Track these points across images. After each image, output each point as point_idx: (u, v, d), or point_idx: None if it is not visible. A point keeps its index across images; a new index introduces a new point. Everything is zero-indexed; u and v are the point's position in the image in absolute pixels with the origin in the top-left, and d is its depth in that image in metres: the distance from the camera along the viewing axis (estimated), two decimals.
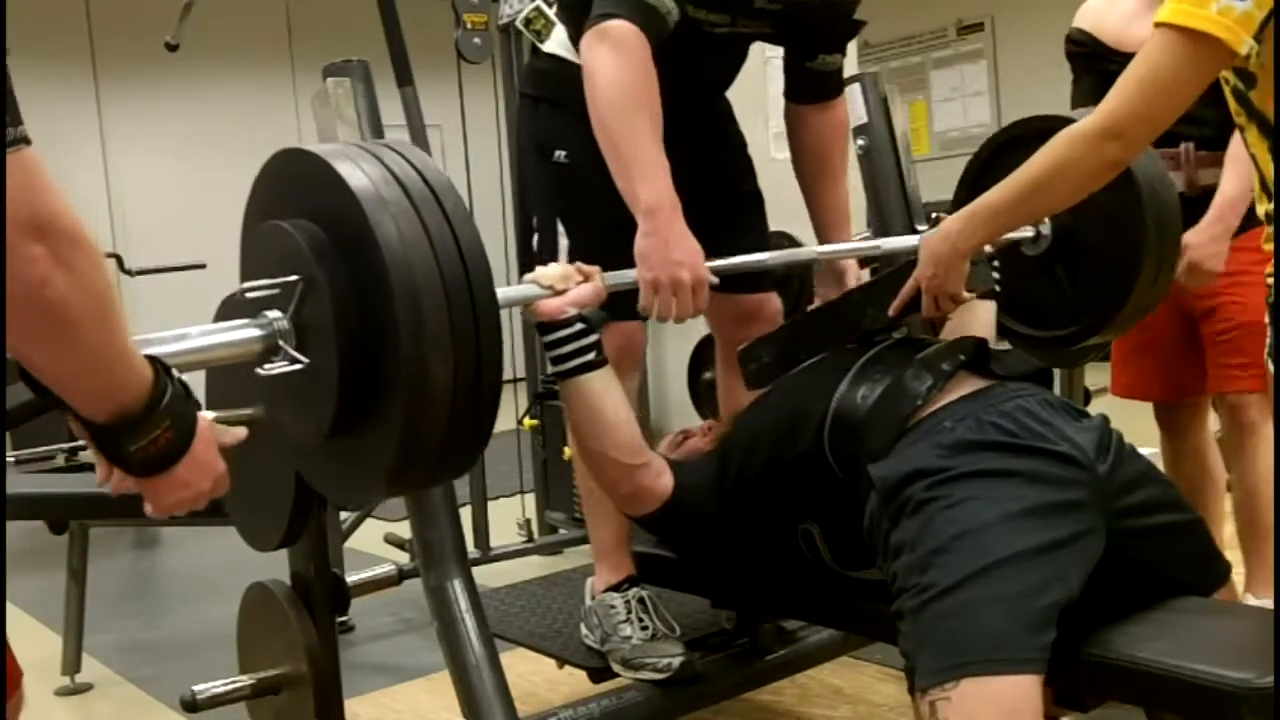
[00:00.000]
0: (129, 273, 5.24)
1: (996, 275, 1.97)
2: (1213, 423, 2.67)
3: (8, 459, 4.97)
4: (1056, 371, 2.27)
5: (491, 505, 3.69)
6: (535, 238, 2.08)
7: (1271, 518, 2.37)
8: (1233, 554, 1.86)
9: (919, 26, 8.53)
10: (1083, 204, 1.63)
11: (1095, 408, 1.87)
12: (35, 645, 3.32)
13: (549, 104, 2.08)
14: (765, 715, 2.57)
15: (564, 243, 2.03)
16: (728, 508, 1.82)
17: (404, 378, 1.25)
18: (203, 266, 4.95)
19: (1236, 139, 1.86)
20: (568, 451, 3.63)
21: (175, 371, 1.07)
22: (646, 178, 1.76)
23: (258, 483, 1.74)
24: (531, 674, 2.71)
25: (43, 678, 3.09)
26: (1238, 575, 1.88)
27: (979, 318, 1.96)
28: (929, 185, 2.92)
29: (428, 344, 1.25)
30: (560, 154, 2.04)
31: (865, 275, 2.21)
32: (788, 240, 2.56)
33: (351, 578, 2.78)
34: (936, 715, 1.38)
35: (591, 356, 1.73)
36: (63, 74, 7.61)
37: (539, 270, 1.73)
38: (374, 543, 3.74)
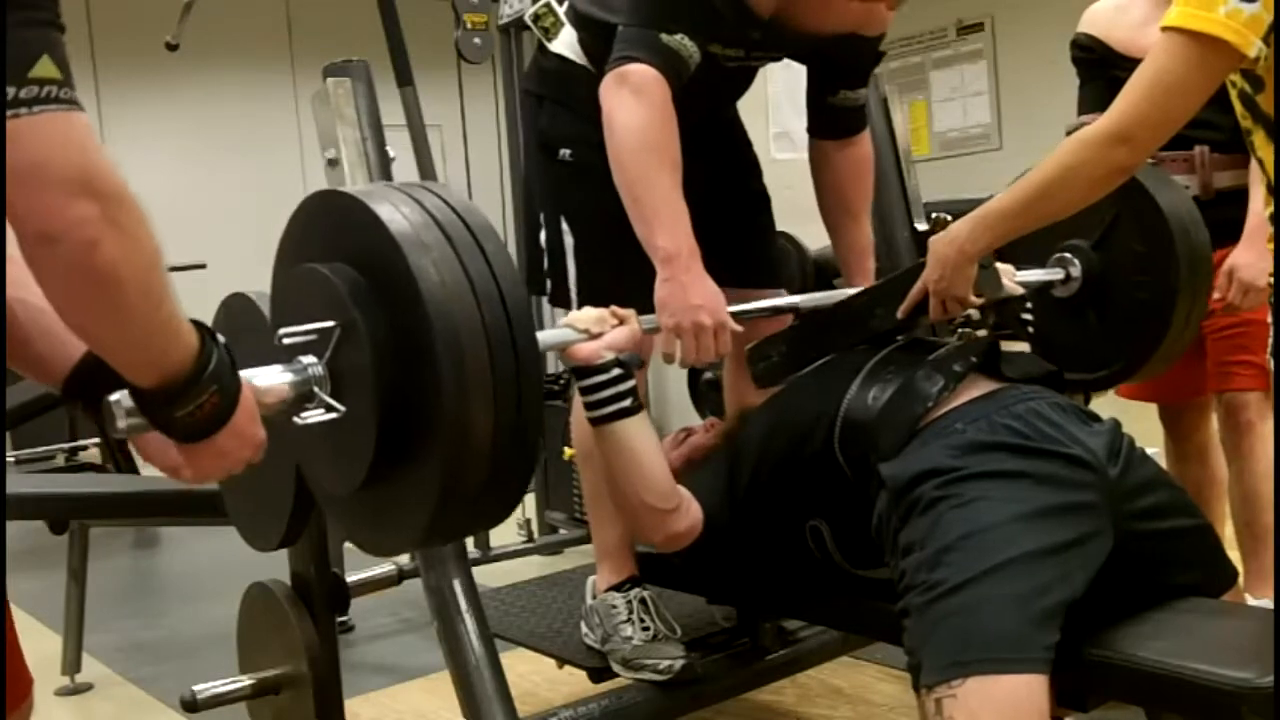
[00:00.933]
0: None
1: (1029, 317, 1.95)
2: (1214, 423, 2.67)
3: (8, 459, 4.98)
4: None
5: None
6: (543, 234, 2.08)
7: (1271, 518, 2.36)
8: (1232, 553, 1.86)
9: (919, 26, 8.53)
10: (1114, 246, 1.61)
11: (1095, 407, 1.87)
12: (35, 645, 3.28)
13: (554, 103, 2.07)
14: (765, 715, 2.57)
15: (569, 241, 2.03)
16: (739, 513, 1.82)
17: (445, 427, 1.22)
18: (203, 267, 4.96)
19: None
20: (568, 451, 3.64)
21: (220, 338, 1.06)
22: (666, 227, 1.76)
23: (257, 483, 1.74)
24: (531, 674, 2.71)
25: (43, 678, 3.05)
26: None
27: None
28: (929, 185, 2.91)
29: (470, 392, 1.22)
30: (565, 152, 2.04)
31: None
32: (789, 241, 2.56)
33: (351, 578, 2.77)
34: (942, 713, 1.38)
35: (628, 403, 1.69)
36: None
37: (573, 314, 1.72)
38: None
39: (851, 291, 2.03)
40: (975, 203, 1.77)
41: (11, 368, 1.17)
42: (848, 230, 2.19)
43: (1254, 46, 1.32)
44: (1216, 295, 2.30)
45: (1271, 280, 2.28)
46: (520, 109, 2.81)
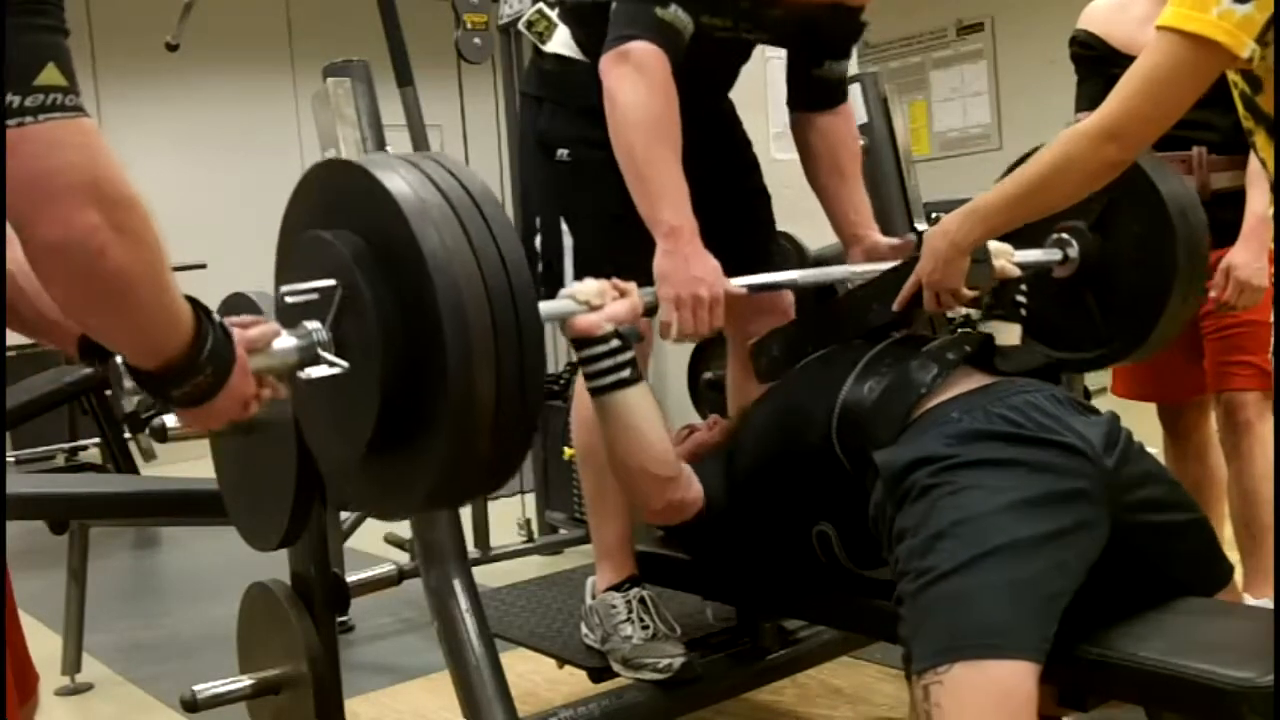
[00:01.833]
0: None
1: (1022, 299, 1.96)
2: (1213, 422, 2.67)
3: (8, 459, 4.98)
4: None
5: (491, 505, 3.68)
6: (538, 238, 2.08)
7: (1270, 518, 2.37)
8: (1231, 553, 1.86)
9: (919, 26, 8.53)
10: (1113, 228, 1.62)
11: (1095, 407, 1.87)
12: (35, 645, 3.28)
13: (552, 103, 2.08)
14: (765, 715, 2.57)
15: (568, 242, 2.03)
16: (738, 501, 1.83)
17: (448, 390, 1.23)
18: (203, 266, 4.95)
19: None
20: (568, 451, 3.64)
21: (215, 316, 1.10)
22: (671, 202, 1.78)
23: (258, 482, 1.74)
24: (531, 674, 2.71)
25: (43, 678, 3.07)
26: (1236, 575, 1.88)
27: None
28: (929, 185, 2.92)
29: (474, 355, 1.23)
30: (563, 153, 2.04)
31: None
32: (789, 241, 2.56)
33: (351, 578, 2.77)
34: (929, 698, 1.38)
35: (628, 374, 1.72)
36: None
37: (574, 286, 1.73)
38: (374, 543, 3.74)
39: (850, 269, 2.05)
40: None
41: (13, 329, 1.22)
42: (842, 190, 2.18)
43: (1246, 48, 1.33)
44: (1213, 294, 2.30)
45: (1270, 280, 2.31)
46: (519, 113, 2.81)
